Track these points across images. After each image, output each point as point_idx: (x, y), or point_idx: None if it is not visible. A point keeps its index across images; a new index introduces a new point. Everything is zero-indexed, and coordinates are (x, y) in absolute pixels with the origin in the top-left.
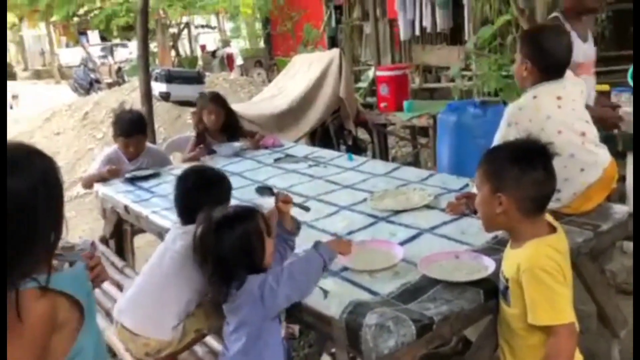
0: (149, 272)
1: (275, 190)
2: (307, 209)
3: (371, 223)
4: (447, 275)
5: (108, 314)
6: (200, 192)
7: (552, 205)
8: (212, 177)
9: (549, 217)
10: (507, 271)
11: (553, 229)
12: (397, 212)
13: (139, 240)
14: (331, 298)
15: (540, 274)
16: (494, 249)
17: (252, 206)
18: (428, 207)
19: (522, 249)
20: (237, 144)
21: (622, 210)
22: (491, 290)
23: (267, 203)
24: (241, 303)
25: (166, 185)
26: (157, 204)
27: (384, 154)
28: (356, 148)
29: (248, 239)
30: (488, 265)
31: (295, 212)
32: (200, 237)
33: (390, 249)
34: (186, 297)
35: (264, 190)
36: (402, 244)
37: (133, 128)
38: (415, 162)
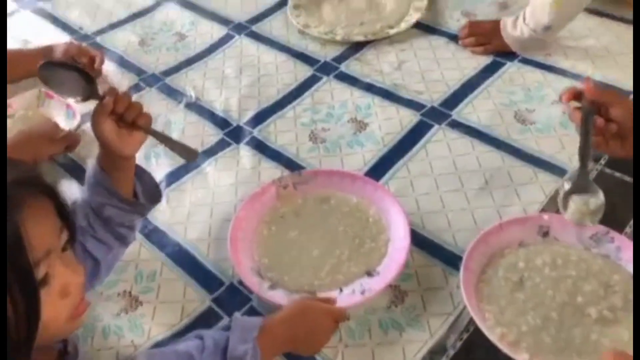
0: None
1: (90, 74)
2: (193, 154)
3: (304, 82)
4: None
5: None
6: None
7: None
8: None
9: None
10: None
11: None
12: (355, 45)
13: None
14: None
15: None
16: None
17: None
18: (420, 26)
19: None
20: None
21: None
22: None
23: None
24: None
25: None
26: None
27: None
28: None
29: None
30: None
31: None
32: None
33: (364, 202)
34: None
35: (68, 78)
36: (383, 167)
37: None
38: None
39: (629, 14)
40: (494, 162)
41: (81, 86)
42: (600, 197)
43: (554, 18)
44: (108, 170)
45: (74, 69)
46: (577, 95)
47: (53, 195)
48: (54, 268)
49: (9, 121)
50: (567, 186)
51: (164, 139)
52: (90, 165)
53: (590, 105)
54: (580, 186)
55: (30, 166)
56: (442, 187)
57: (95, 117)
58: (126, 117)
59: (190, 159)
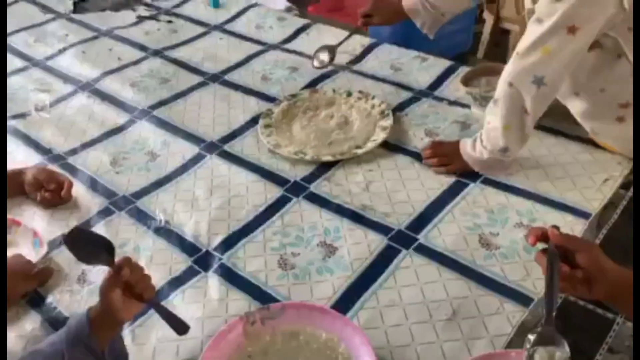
0: None
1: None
2: (185, 328)
3: (274, 203)
4: None
5: None
6: None
7: None
8: None
9: None
10: None
11: None
12: (324, 164)
13: None
14: None
15: None
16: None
17: None
18: (386, 145)
19: None
20: None
21: None
22: None
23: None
24: None
25: None
26: None
27: None
28: None
29: None
30: None
31: None
32: None
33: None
34: None
35: (90, 246)
36: (353, 296)
37: None
38: None
39: (581, 132)
40: (460, 291)
41: (102, 254)
42: (566, 349)
43: (508, 141)
44: (96, 327)
45: (100, 238)
46: (542, 237)
47: None
48: None
49: None
50: (531, 337)
51: (162, 311)
52: (76, 320)
53: (556, 251)
54: (545, 337)
55: None
56: (411, 318)
57: (108, 285)
58: (136, 288)
59: (180, 332)
